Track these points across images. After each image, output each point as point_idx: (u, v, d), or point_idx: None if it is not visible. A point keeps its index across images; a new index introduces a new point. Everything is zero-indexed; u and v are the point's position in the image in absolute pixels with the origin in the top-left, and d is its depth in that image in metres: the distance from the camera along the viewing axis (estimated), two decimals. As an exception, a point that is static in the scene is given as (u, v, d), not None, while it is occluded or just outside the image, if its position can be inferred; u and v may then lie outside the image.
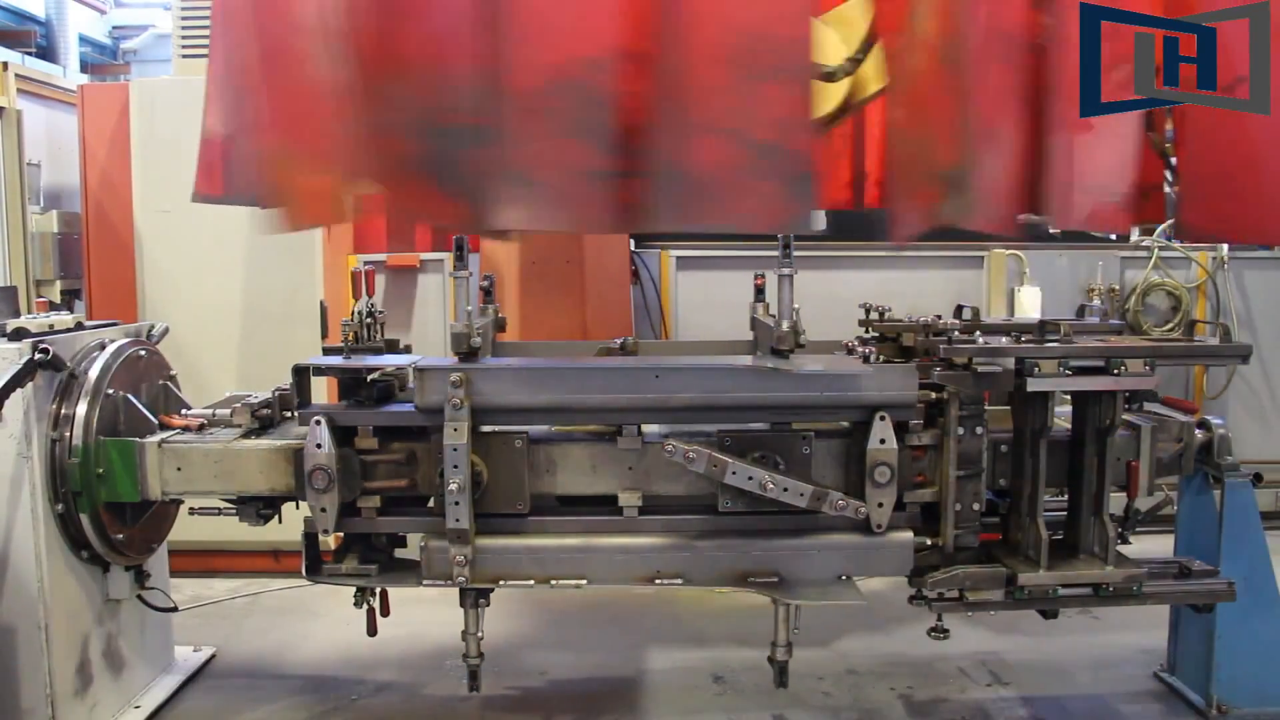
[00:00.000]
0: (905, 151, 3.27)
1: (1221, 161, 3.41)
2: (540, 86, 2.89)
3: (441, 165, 2.94)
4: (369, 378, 3.47)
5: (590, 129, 2.91)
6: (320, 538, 3.40)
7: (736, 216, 3.00)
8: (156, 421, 3.68)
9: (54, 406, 3.48)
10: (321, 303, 5.23)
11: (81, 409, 3.50)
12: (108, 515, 3.56)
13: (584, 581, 3.39)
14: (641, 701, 4.14)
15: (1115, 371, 3.27)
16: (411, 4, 2.93)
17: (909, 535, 3.41)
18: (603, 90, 2.90)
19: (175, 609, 4.23)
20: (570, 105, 2.89)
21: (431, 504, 3.44)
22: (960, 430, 3.31)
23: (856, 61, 3.40)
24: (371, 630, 3.66)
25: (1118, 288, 6.53)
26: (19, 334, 3.46)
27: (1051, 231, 3.77)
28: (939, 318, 3.47)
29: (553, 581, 3.40)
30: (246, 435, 3.54)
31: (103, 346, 3.70)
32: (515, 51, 2.89)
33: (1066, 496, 3.56)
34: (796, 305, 3.41)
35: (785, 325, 3.37)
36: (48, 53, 10.15)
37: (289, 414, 3.70)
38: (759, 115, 2.87)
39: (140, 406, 3.68)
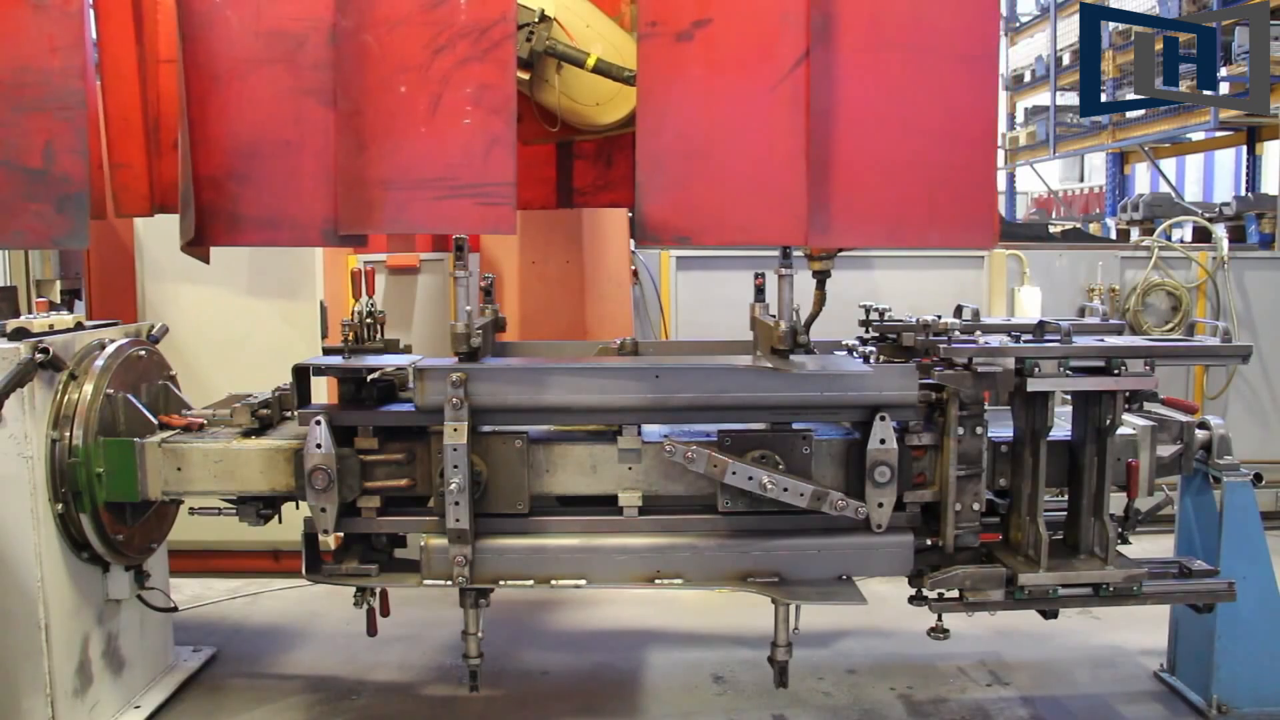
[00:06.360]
0: None
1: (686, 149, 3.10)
2: None
3: None
4: (369, 378, 3.48)
5: None
6: (320, 538, 3.40)
7: (11, 235, 3.31)
8: (156, 421, 3.68)
9: (54, 407, 3.48)
10: (321, 303, 5.25)
11: (81, 409, 3.50)
12: (108, 515, 3.56)
13: (584, 581, 3.40)
14: (641, 701, 4.14)
15: (1115, 371, 3.27)
16: None
17: (909, 535, 3.41)
18: None
19: (175, 609, 4.23)
20: None
21: (431, 504, 3.44)
22: (960, 430, 3.32)
23: None
24: (371, 630, 3.65)
25: (1118, 288, 6.55)
26: (19, 334, 3.46)
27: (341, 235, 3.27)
28: (939, 318, 3.47)
29: (553, 581, 3.40)
30: (246, 435, 3.54)
31: (103, 346, 3.70)
32: None
33: (1066, 496, 3.56)
34: (796, 305, 3.42)
35: (785, 325, 3.37)
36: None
37: (289, 414, 3.70)
38: (26, 144, 3.18)
39: (140, 406, 3.67)
